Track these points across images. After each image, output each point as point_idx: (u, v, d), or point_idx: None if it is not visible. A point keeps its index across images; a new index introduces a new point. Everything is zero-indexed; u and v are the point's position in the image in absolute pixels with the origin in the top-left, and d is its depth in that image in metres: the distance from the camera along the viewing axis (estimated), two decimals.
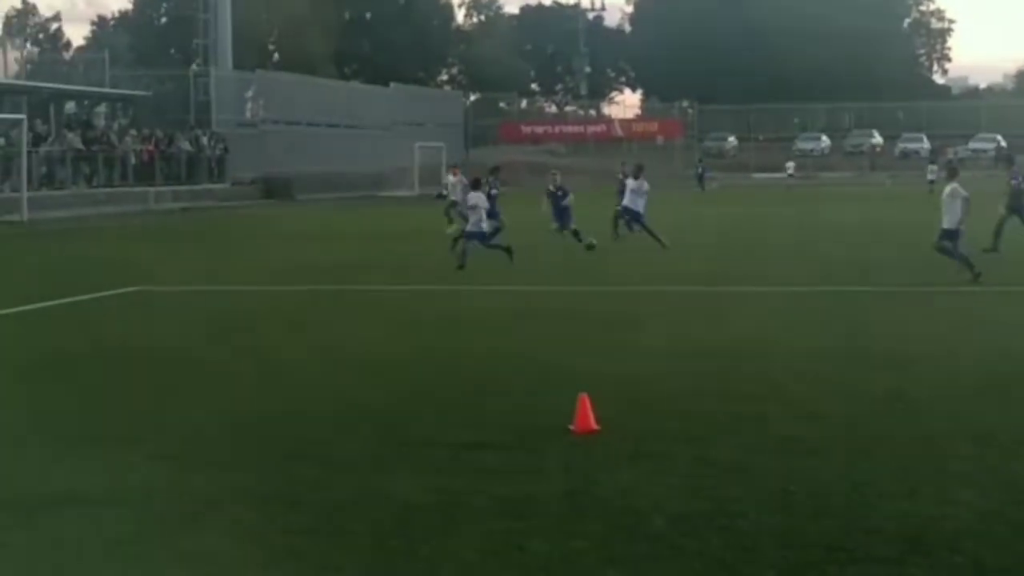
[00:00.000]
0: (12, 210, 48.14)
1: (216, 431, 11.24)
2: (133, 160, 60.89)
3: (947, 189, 23.83)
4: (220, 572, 7.44)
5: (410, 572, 7.46)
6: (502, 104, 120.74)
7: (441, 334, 17.51)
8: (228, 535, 8.14)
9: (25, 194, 48.60)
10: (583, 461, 9.96)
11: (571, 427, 10.99)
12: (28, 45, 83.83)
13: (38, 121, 57.25)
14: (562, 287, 23.29)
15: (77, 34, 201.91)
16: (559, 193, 32.73)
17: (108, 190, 57.97)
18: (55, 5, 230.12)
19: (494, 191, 32.34)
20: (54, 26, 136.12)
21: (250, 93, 75.91)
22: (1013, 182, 29.12)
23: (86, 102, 67.46)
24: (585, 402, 11.06)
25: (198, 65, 77.38)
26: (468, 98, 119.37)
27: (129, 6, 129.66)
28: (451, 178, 41.05)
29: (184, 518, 8.55)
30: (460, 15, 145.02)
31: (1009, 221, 28.57)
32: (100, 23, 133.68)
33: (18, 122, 51.18)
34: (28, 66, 69.37)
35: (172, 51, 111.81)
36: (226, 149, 68.06)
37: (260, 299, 22.42)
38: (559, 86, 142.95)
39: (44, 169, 55.18)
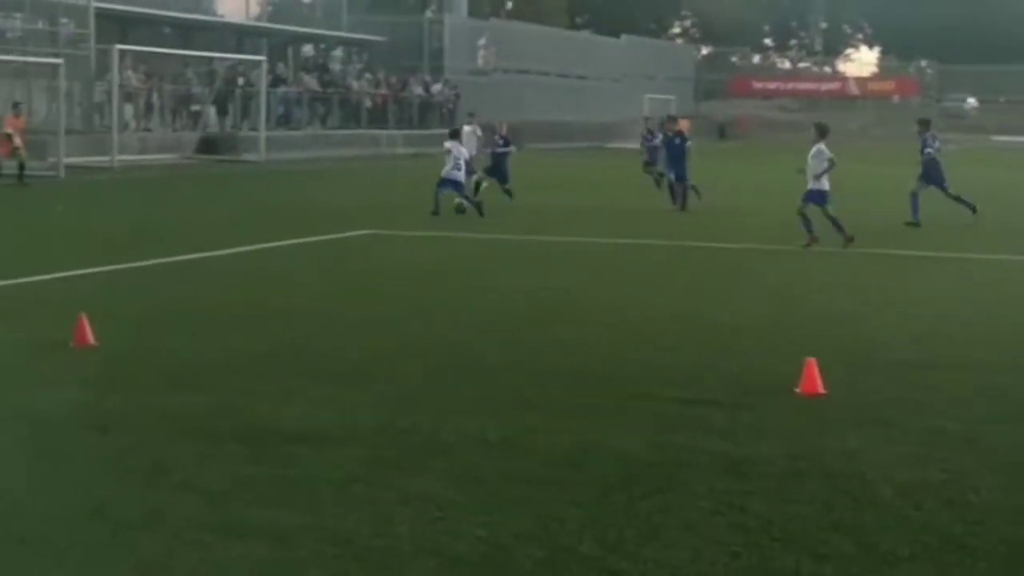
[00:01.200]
0: (250, 149, 49.47)
1: (445, 376, 11.41)
2: (367, 103, 61.99)
3: (812, 150, 22.52)
4: (444, 515, 7.55)
5: (631, 527, 7.46)
6: (734, 59, 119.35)
7: (669, 288, 17.46)
8: (453, 479, 8.26)
9: (263, 134, 49.87)
10: (808, 424, 9.85)
11: (797, 389, 10.85)
12: None
13: (279, 64, 58.65)
14: (761, 244, 22.92)
15: None
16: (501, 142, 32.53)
17: (342, 132, 59.12)
18: None
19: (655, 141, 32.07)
20: None
21: (483, 41, 76.34)
22: (927, 151, 27.34)
23: (323, 46, 68.79)
24: (812, 365, 10.91)
25: (433, 12, 78.17)
26: (699, 52, 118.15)
27: None
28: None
29: (411, 460, 8.69)
30: None
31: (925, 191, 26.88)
32: None
33: (258, 63, 52.57)
34: (269, 8, 70.93)
35: None
36: (457, 96, 68.64)
37: (486, 246, 22.64)
38: (793, 42, 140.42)
39: (281, 110, 56.52)
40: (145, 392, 10.50)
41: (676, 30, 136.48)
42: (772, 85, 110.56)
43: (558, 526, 7.42)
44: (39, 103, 44.18)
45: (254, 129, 51.02)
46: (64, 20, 46.96)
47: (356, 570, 6.66)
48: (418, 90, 66.63)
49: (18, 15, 46.83)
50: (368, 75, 65.30)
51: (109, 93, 46.00)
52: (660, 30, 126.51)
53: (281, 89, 56.93)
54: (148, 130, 49.85)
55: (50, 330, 12.91)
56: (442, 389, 10.86)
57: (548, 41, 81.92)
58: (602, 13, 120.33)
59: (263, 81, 51.63)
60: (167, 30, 58.95)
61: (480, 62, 75.28)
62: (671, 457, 8.88)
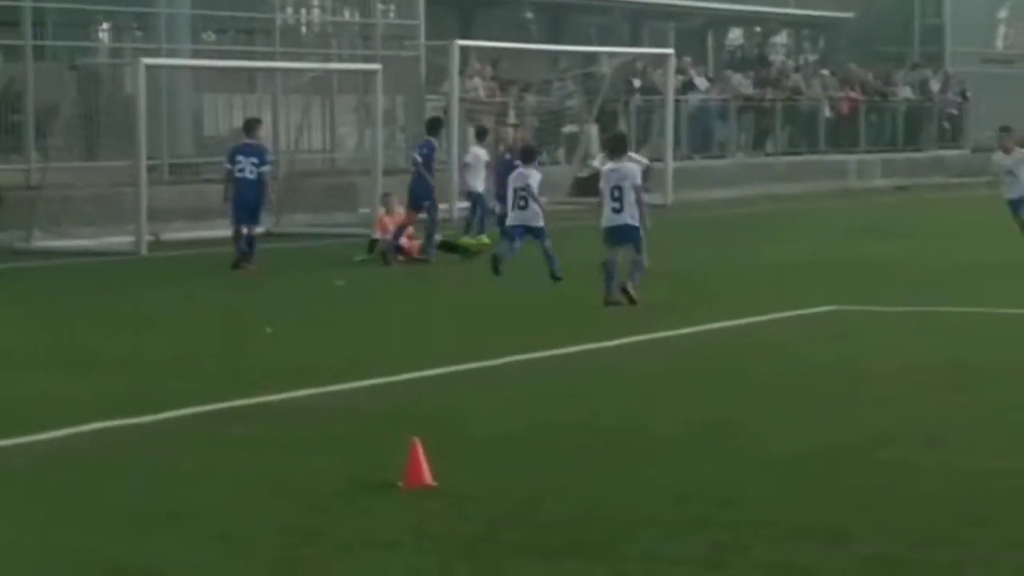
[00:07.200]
0: None
1: None
2: (827, 113, 52.06)
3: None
4: None
5: None
6: None
7: None
8: None
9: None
10: None
11: None
12: None
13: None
14: None
15: None
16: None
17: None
18: None
19: None
20: None
21: (1004, 13, 65.03)
22: None
23: (757, 29, 59.73)
24: None
25: None
26: None
27: None
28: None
29: None
30: None
31: None
32: None
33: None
34: None
35: None
36: (965, 97, 57.28)
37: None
38: None
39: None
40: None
41: None
42: None
43: None
44: None
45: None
46: None
47: None
48: (904, 91, 58.32)
49: None
50: (825, 71, 57.28)
51: None
52: None
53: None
54: None
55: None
56: None
57: None
58: None
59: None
60: None
61: (999, 44, 64.49)
62: None
